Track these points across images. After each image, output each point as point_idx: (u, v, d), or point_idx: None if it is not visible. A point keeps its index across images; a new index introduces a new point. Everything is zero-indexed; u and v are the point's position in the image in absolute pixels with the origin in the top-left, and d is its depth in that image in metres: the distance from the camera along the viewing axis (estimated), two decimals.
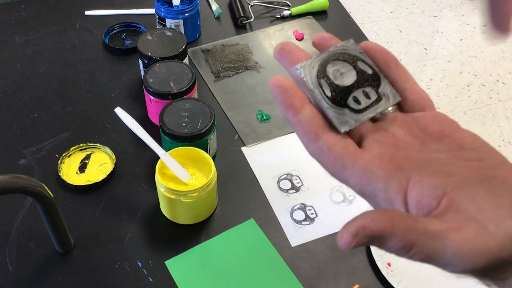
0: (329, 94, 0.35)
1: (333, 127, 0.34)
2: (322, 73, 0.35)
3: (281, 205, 0.88)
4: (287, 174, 0.93)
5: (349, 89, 0.35)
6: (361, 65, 0.36)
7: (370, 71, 0.36)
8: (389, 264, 0.80)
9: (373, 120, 0.36)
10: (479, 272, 0.30)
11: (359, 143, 0.35)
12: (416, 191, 0.31)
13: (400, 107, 0.36)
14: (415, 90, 0.36)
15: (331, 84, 0.35)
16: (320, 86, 0.35)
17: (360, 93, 0.35)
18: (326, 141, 0.34)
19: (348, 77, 0.36)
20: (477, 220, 0.29)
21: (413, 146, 0.34)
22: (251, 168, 0.93)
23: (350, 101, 0.35)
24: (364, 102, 0.35)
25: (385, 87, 0.36)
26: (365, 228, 0.28)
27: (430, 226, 0.29)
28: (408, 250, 0.29)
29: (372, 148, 0.34)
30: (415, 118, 0.35)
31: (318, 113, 0.34)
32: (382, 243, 0.29)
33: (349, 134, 0.35)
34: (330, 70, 0.36)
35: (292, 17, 1.24)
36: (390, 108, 0.36)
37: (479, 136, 0.34)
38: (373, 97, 0.35)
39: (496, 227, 0.28)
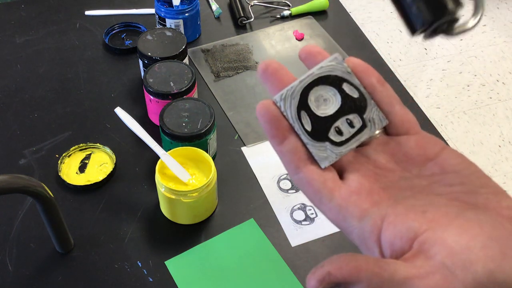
0: (309, 128, 0.34)
1: (315, 160, 0.34)
2: (303, 104, 0.34)
3: (281, 205, 0.88)
4: (287, 174, 0.93)
5: (331, 120, 0.34)
6: (346, 88, 0.34)
7: (356, 95, 0.34)
8: None
9: (357, 146, 0.35)
10: None
11: (341, 171, 0.35)
12: (389, 232, 0.31)
13: (385, 129, 0.36)
14: (401, 113, 0.35)
15: (311, 116, 0.34)
16: (300, 120, 0.34)
17: (343, 122, 0.34)
18: (306, 174, 0.34)
19: (332, 104, 0.34)
20: (446, 266, 0.29)
21: (394, 174, 0.34)
22: (251, 168, 0.93)
23: (332, 133, 0.34)
24: (347, 132, 0.34)
25: (371, 111, 0.35)
26: (331, 275, 0.29)
27: (397, 273, 0.29)
28: None
29: (352, 180, 0.34)
30: (399, 142, 0.35)
31: (301, 145, 0.34)
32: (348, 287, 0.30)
33: (332, 164, 0.35)
34: (313, 98, 0.34)
35: (292, 17, 1.24)
36: (376, 133, 0.35)
37: (465, 157, 0.34)
38: (357, 125, 0.34)
39: (464, 272, 0.29)
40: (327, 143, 0.34)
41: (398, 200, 0.32)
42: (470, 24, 0.32)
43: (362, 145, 0.35)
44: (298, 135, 0.34)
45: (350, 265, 0.30)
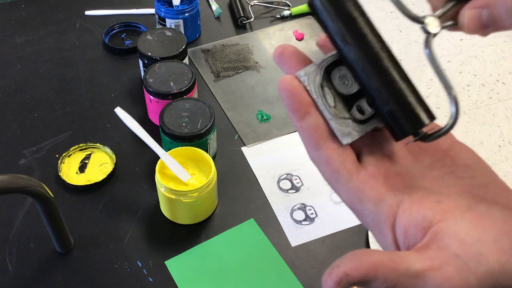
0: (332, 104, 0.34)
1: (335, 137, 0.34)
2: (326, 81, 0.34)
3: (281, 205, 0.88)
4: (287, 174, 0.93)
5: (353, 98, 0.34)
6: None
7: None
8: None
9: (375, 129, 0.35)
10: None
11: (359, 154, 0.35)
12: (404, 218, 0.32)
13: None
14: None
15: (335, 93, 0.34)
16: (323, 95, 0.34)
17: (364, 102, 0.34)
18: (326, 152, 0.34)
19: (354, 84, 0.34)
20: (459, 257, 0.30)
21: (407, 162, 0.35)
22: (251, 168, 0.93)
23: (354, 111, 0.34)
24: (368, 112, 0.34)
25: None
26: (348, 276, 0.29)
27: (413, 266, 0.30)
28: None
29: (369, 163, 0.34)
30: None
31: (323, 121, 0.34)
32: (365, 285, 0.30)
33: (350, 144, 0.34)
34: (336, 76, 0.34)
35: (292, 17, 1.24)
36: None
37: (474, 151, 0.35)
38: None
39: (477, 264, 0.29)
40: (349, 120, 0.34)
41: (413, 187, 0.33)
42: (445, 129, 0.33)
43: (376, 130, 0.36)
44: (320, 112, 0.34)
45: (366, 263, 0.30)
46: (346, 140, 0.33)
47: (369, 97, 0.33)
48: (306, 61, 0.36)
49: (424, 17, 0.34)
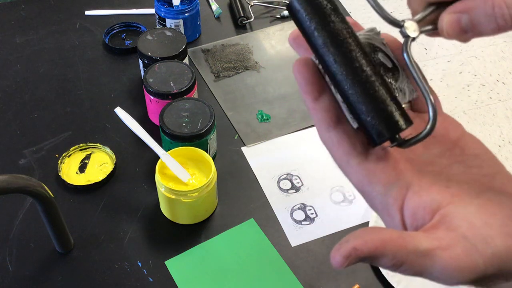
0: None
1: (348, 120, 0.34)
2: None
3: (281, 205, 0.88)
4: (287, 174, 0.93)
5: None
6: (381, 57, 0.35)
7: (389, 64, 0.35)
8: None
9: None
10: (465, 284, 0.31)
11: None
12: (413, 201, 0.32)
13: (411, 106, 0.37)
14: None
15: None
16: None
17: None
18: (337, 134, 0.34)
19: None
20: (467, 238, 0.30)
21: (417, 149, 0.35)
22: (251, 168, 0.93)
23: None
24: None
25: (402, 82, 0.35)
26: (357, 250, 0.29)
27: (421, 245, 0.30)
28: (398, 267, 0.30)
29: (380, 148, 0.34)
30: (424, 119, 0.36)
31: (335, 104, 0.34)
32: (373, 261, 0.30)
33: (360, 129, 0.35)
34: None
35: None
36: (404, 105, 0.35)
37: (482, 142, 0.35)
38: None
39: (484, 245, 0.30)
40: None
41: (422, 172, 0.33)
42: (422, 135, 0.34)
43: None
44: (333, 94, 0.34)
45: (375, 239, 0.30)
46: (356, 124, 0.34)
47: (347, 104, 0.33)
48: None
49: (403, 20, 0.34)
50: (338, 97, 0.34)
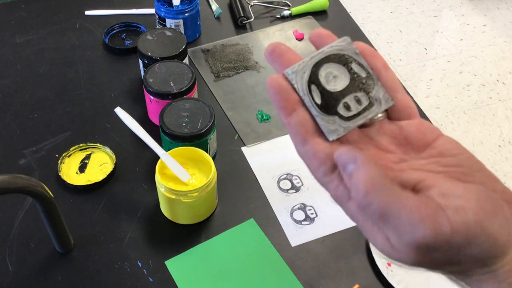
0: (318, 101, 0.35)
1: (322, 133, 0.35)
2: (313, 78, 0.35)
3: (281, 205, 0.88)
4: (287, 174, 0.93)
5: (340, 95, 0.35)
6: (355, 67, 0.36)
7: (364, 74, 0.36)
8: (389, 264, 0.80)
9: (362, 125, 0.36)
10: (434, 261, 0.32)
11: None
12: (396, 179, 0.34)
13: (387, 113, 0.37)
14: (403, 98, 0.37)
15: (321, 91, 0.35)
16: (310, 92, 0.35)
17: (351, 99, 0.35)
18: (313, 146, 0.35)
19: (341, 81, 0.35)
20: (439, 205, 0.31)
21: (395, 156, 0.36)
22: (251, 168, 0.93)
23: (340, 108, 0.35)
24: (355, 108, 0.35)
25: (378, 91, 0.36)
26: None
27: (397, 188, 0.32)
28: (366, 194, 0.31)
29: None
30: (400, 126, 0.36)
31: (310, 118, 0.35)
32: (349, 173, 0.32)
33: (341, 139, 0.35)
34: (323, 73, 0.35)
35: (292, 17, 1.24)
36: (380, 115, 0.36)
37: (459, 143, 0.36)
38: (365, 102, 0.35)
39: (455, 214, 0.31)
40: (336, 117, 0.35)
41: (402, 177, 0.34)
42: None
43: (364, 126, 0.36)
44: (307, 109, 0.35)
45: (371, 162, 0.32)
46: (332, 137, 0.34)
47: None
48: (295, 59, 0.36)
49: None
50: (313, 111, 0.35)
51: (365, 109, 0.35)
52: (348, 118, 0.35)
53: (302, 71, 0.35)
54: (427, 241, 0.30)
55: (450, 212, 0.31)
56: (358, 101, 0.35)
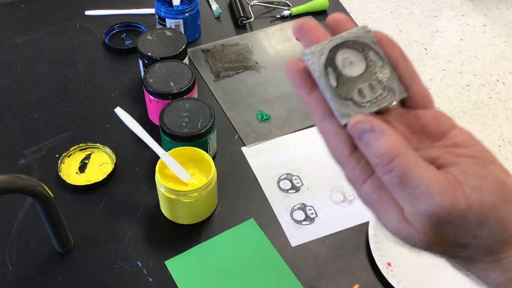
0: (334, 84, 0.35)
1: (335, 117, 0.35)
2: (330, 61, 0.35)
3: (281, 205, 0.88)
4: (287, 174, 0.93)
5: (355, 81, 0.35)
6: (372, 56, 0.36)
7: (380, 63, 0.36)
8: (389, 264, 0.80)
9: (376, 112, 0.36)
10: (444, 240, 0.33)
11: None
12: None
13: (403, 102, 0.37)
14: (420, 88, 0.37)
15: (338, 74, 0.35)
16: (327, 75, 0.35)
17: (366, 86, 0.35)
18: (331, 125, 0.35)
19: (357, 67, 0.35)
20: (458, 180, 0.32)
21: (410, 143, 0.36)
22: (251, 168, 0.93)
23: (355, 94, 0.35)
24: (369, 96, 0.35)
25: (392, 81, 0.36)
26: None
27: (420, 159, 0.32)
28: (391, 160, 0.32)
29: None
30: (416, 115, 0.36)
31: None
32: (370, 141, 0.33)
33: None
34: (340, 58, 0.35)
35: (292, 17, 1.24)
36: (394, 103, 0.36)
37: (473, 135, 0.36)
38: (379, 91, 0.35)
39: (472, 191, 0.31)
40: (350, 102, 0.35)
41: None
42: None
43: (379, 112, 0.36)
44: (321, 92, 0.35)
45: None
46: (344, 120, 0.34)
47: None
48: (323, 36, 0.37)
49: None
50: (327, 94, 0.35)
51: (378, 98, 0.35)
52: (362, 104, 0.35)
53: (319, 53, 0.35)
54: (442, 212, 0.31)
55: (468, 189, 0.31)
56: (373, 89, 0.35)
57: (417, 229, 0.32)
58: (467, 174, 0.32)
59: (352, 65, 0.35)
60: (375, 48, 0.36)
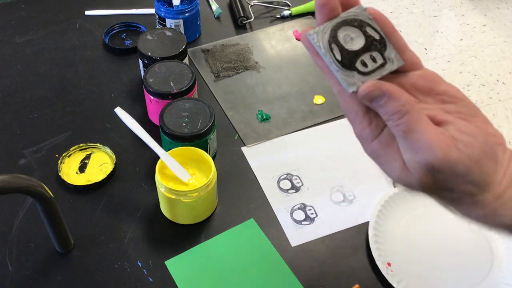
0: (339, 58, 0.39)
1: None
2: (333, 38, 0.39)
3: (281, 205, 0.88)
4: (287, 174, 0.93)
5: (357, 53, 0.40)
6: (369, 31, 0.40)
7: (377, 37, 0.40)
8: (389, 264, 0.80)
9: (380, 78, 0.41)
10: (435, 185, 0.39)
11: None
12: None
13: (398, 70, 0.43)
14: (410, 55, 0.42)
15: (341, 49, 0.39)
16: (331, 50, 0.39)
17: (367, 57, 0.40)
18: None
19: (357, 42, 0.40)
20: (453, 137, 0.39)
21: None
22: (251, 168, 0.93)
23: (358, 64, 0.39)
24: (371, 66, 0.40)
25: (390, 52, 0.41)
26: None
27: (424, 115, 0.39)
28: (402, 116, 0.38)
29: None
30: (407, 76, 0.42)
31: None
32: (383, 103, 0.38)
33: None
34: (341, 35, 0.40)
35: (292, 17, 1.24)
36: (393, 70, 0.41)
37: (459, 90, 0.42)
38: (379, 61, 0.40)
39: (464, 147, 0.38)
40: (354, 72, 0.39)
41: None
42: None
43: (381, 79, 0.41)
44: (328, 66, 0.40)
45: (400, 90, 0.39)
46: (351, 89, 0.39)
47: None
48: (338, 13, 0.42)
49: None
50: (333, 67, 0.40)
51: (380, 67, 0.40)
52: (365, 74, 0.40)
53: (323, 32, 0.39)
54: (437, 162, 0.37)
55: (461, 145, 0.38)
56: (374, 59, 0.40)
57: (415, 176, 0.39)
58: (462, 132, 0.39)
59: (352, 40, 0.40)
60: (371, 24, 0.41)
